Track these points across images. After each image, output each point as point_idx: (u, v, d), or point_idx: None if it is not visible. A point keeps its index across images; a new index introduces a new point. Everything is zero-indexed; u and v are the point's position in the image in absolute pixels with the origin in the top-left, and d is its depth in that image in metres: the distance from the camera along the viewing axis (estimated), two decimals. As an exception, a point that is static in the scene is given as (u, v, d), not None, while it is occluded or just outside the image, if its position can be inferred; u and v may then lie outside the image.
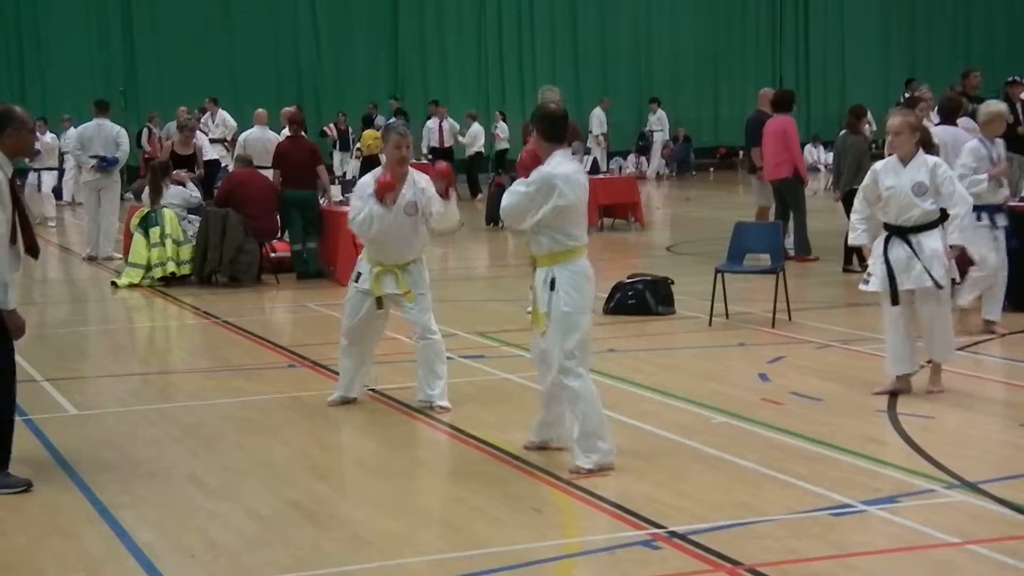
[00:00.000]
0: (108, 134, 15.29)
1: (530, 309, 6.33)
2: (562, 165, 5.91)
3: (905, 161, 7.21)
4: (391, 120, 8.09)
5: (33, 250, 5.87)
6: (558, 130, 5.99)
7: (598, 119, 27.02)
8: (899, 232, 7.22)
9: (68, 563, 4.92)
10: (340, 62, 28.80)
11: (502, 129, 25.57)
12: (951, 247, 7.17)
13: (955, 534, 4.98)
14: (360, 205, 7.12)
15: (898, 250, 7.22)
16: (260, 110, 17.24)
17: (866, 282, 7.42)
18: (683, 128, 30.88)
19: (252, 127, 16.46)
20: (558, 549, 4.96)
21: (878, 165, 7.42)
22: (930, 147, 7.41)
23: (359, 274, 7.30)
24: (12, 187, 5.70)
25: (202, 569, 4.81)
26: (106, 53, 26.98)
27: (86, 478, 6.00)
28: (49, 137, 21.18)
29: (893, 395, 7.37)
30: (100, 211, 15.46)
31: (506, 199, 5.97)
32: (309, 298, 11.92)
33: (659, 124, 28.15)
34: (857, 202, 7.49)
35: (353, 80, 28.53)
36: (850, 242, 7.76)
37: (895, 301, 7.26)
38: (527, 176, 6.03)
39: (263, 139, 15.64)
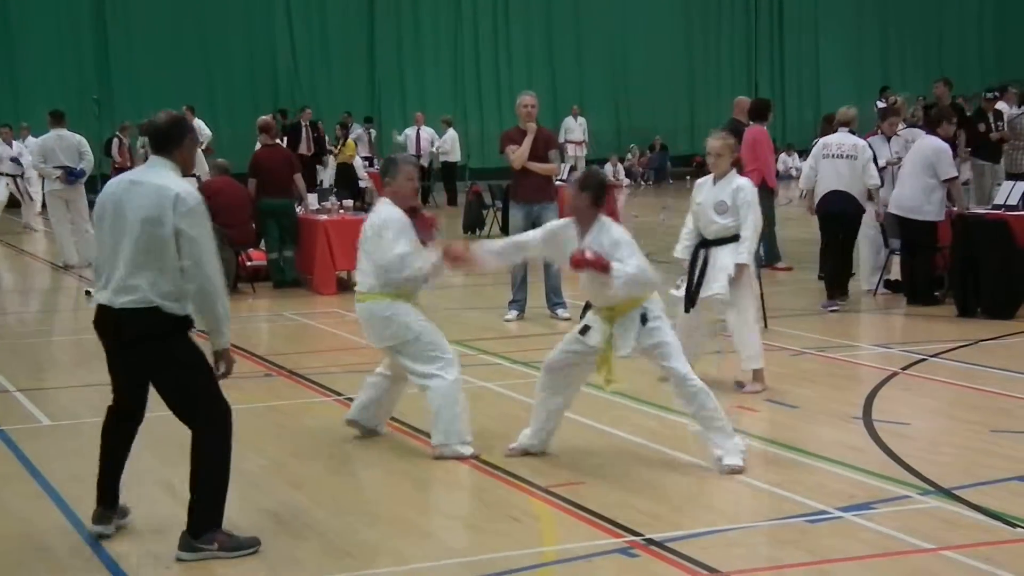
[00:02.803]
0: (70, 144, 15.18)
1: (575, 344, 6.28)
2: (616, 225, 6.21)
3: (716, 180, 7.78)
4: (399, 154, 7.36)
5: None
6: (603, 197, 6.23)
7: (570, 126, 26.97)
8: (704, 244, 7.77)
9: (41, 575, 4.88)
10: (316, 69, 28.77)
11: (449, 139, 24.83)
12: (737, 265, 7.61)
13: (930, 540, 5.01)
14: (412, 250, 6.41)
15: (700, 260, 7.76)
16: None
17: (678, 287, 7.88)
18: (659, 136, 31.02)
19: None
20: (535, 557, 4.96)
21: (699, 181, 8.05)
22: (742, 169, 8.03)
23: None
24: None
25: (177, 580, 4.78)
26: (79, 62, 26.82)
27: (59, 488, 5.95)
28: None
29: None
30: (72, 220, 15.39)
31: (640, 274, 5.97)
32: (285, 307, 11.87)
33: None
34: (688, 216, 8.01)
35: (330, 88, 28.49)
36: (674, 253, 8.20)
37: (687, 308, 7.77)
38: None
39: None
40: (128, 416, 5.19)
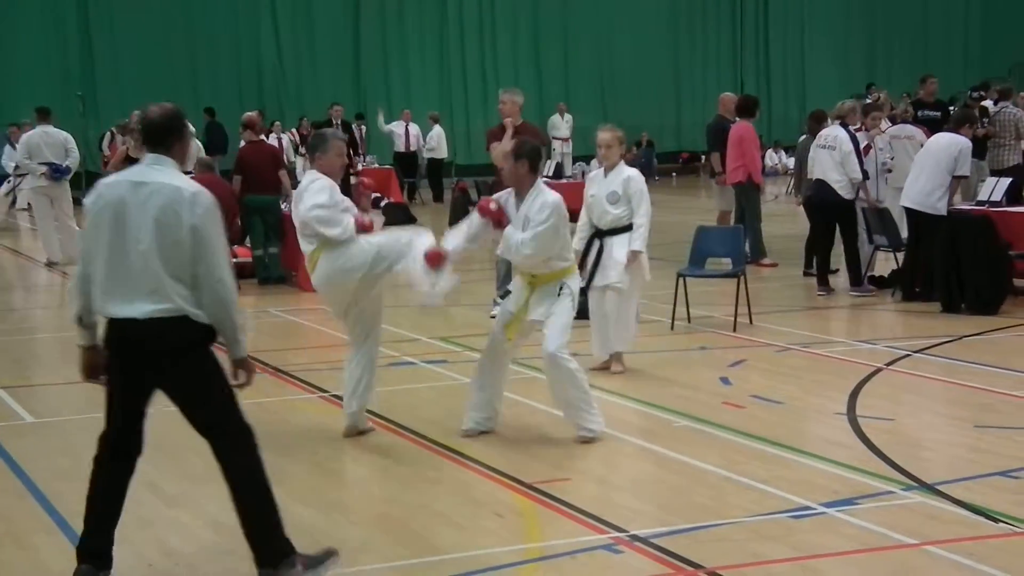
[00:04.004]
0: (56, 140, 15.11)
1: (499, 312, 6.71)
2: (552, 192, 6.59)
3: (608, 171, 8.10)
4: (325, 129, 7.55)
5: None
6: (539, 163, 6.68)
7: (556, 124, 27.01)
8: (599, 234, 8.10)
9: (24, 574, 4.86)
10: (302, 66, 28.68)
11: (435, 136, 24.66)
12: (632, 251, 8.00)
13: (913, 535, 5.02)
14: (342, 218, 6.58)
15: (594, 250, 8.09)
16: None
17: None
18: (645, 133, 31.03)
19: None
20: (520, 554, 4.95)
21: (590, 174, 8.41)
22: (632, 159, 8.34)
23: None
24: None
25: (161, 578, 4.76)
26: (64, 58, 26.67)
27: (43, 487, 5.93)
28: None
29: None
30: (57, 217, 15.34)
31: (534, 243, 6.37)
32: (270, 304, 11.85)
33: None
34: (583, 210, 8.29)
35: (315, 84, 28.42)
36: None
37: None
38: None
39: None
40: (128, 452, 4.69)
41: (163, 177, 4.46)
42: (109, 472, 4.66)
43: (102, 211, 4.48)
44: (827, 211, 11.59)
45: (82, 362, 4.65)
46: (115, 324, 4.49)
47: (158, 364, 4.48)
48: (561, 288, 6.51)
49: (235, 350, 4.55)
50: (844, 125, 11.63)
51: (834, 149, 11.37)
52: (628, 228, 8.06)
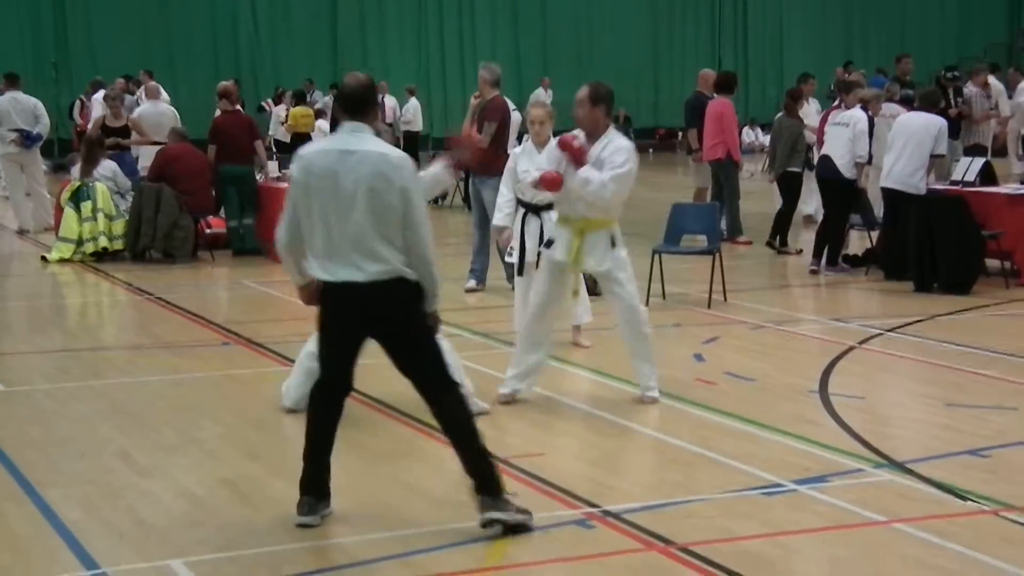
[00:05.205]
0: (25, 107, 14.91)
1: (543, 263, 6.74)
2: (624, 137, 6.71)
3: (540, 147, 7.95)
4: None
5: None
6: (612, 106, 6.75)
7: (540, 97, 26.93)
8: (534, 210, 8.02)
9: (-7, 543, 4.83)
10: (278, 35, 28.46)
11: (411, 108, 24.63)
12: None
13: (883, 513, 5.06)
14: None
15: (532, 226, 8.01)
16: (151, 83, 16.94)
17: (510, 254, 8.24)
18: (623, 109, 31.01)
19: (145, 100, 16.26)
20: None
21: (517, 150, 8.35)
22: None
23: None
24: None
25: (131, 549, 4.74)
26: (37, 25, 26.36)
27: (12, 456, 5.89)
28: None
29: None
30: (29, 184, 15.19)
31: (614, 184, 6.39)
32: (245, 275, 11.79)
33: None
34: (502, 186, 8.28)
35: (292, 54, 28.20)
36: (492, 223, 8.61)
37: (520, 272, 8.08)
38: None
39: (156, 113, 15.39)
40: (338, 395, 5.05)
41: (367, 144, 4.73)
42: (325, 413, 5.00)
43: (314, 180, 4.71)
44: (824, 188, 11.74)
45: (303, 295, 5.03)
46: (336, 287, 4.76)
47: (380, 324, 4.80)
48: (613, 240, 6.59)
49: (432, 303, 4.85)
50: (865, 108, 11.68)
51: (847, 126, 11.39)
52: None
